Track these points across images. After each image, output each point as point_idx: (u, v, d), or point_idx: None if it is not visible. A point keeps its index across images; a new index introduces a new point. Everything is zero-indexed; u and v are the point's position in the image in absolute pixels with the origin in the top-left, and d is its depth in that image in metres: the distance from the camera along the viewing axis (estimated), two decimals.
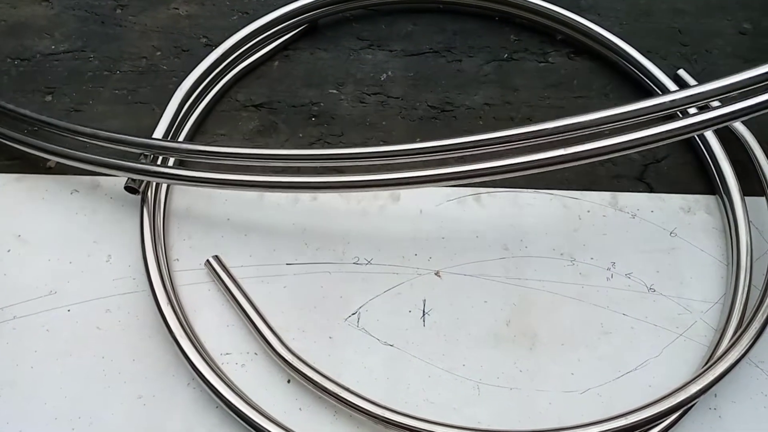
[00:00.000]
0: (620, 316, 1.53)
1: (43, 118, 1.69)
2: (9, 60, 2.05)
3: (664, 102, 1.44)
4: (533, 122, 1.48)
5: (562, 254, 1.62)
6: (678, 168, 1.81)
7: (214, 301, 1.54)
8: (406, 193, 1.72)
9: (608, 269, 1.60)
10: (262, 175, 1.56)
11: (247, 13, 2.19)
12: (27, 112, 1.71)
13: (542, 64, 2.06)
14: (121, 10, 2.19)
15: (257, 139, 1.85)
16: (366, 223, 1.67)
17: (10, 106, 1.74)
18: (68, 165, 1.70)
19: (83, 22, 2.15)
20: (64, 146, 1.67)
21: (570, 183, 1.76)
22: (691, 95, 1.43)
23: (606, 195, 1.73)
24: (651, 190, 1.76)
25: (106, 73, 2.01)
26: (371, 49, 2.09)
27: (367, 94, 1.96)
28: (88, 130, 1.65)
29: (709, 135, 1.74)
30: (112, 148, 1.65)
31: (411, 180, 1.49)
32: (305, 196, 1.72)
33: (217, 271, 1.55)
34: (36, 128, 1.75)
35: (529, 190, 1.73)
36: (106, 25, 2.15)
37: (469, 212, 1.69)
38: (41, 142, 1.69)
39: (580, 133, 1.47)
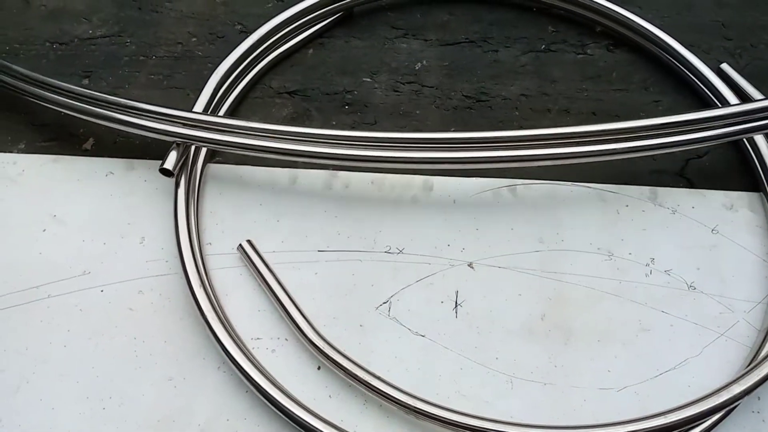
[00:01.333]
0: (659, 313, 1.48)
1: (83, 90, 1.69)
2: (48, 44, 2.08)
3: (722, 114, 1.41)
4: (573, 124, 1.46)
5: (599, 249, 1.58)
6: (720, 164, 1.76)
7: (245, 285, 1.54)
8: (439, 183, 1.69)
9: (647, 265, 1.56)
10: (302, 145, 1.54)
11: (282, 0, 2.18)
12: (72, 86, 1.72)
13: (580, 55, 2.01)
14: None
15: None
16: (398, 213, 1.65)
17: (56, 82, 1.74)
18: (105, 147, 1.72)
19: (120, 8, 2.17)
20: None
21: (608, 177, 1.71)
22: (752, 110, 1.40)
23: (645, 189, 1.69)
24: (692, 186, 1.71)
25: (142, 58, 2.02)
26: (406, 38, 2.07)
27: (402, 83, 1.94)
28: (129, 102, 1.65)
29: None
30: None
31: (446, 161, 1.47)
32: (338, 183, 1.70)
33: (250, 255, 1.54)
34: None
35: (566, 182, 1.70)
36: (143, 10, 2.16)
37: (504, 204, 1.66)
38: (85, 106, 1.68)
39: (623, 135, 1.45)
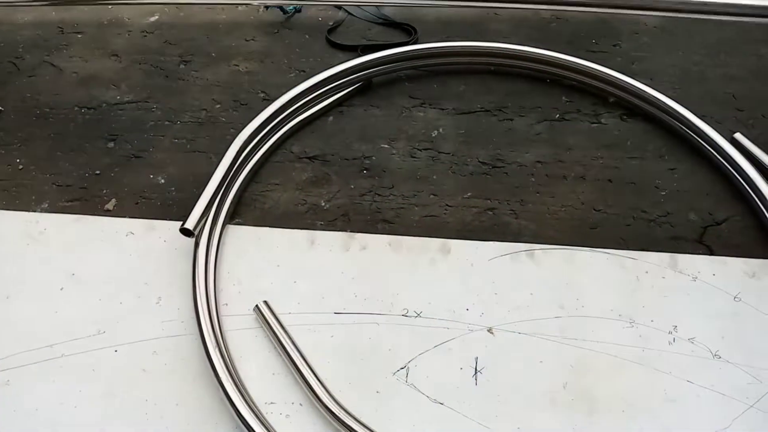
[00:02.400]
0: (685, 382, 1.44)
1: None
2: (77, 108, 2.15)
3: None
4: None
5: (620, 315, 1.56)
6: (739, 231, 1.75)
7: (261, 347, 1.52)
8: (456, 246, 1.69)
9: (670, 333, 1.52)
10: None
11: (304, 71, 2.27)
12: None
13: (594, 124, 2.05)
14: (185, 65, 2.30)
15: (310, 189, 1.87)
16: (416, 275, 1.64)
17: None
18: (126, 207, 1.74)
19: (149, 76, 2.26)
20: None
21: (627, 243, 1.71)
22: None
23: (665, 256, 1.68)
24: (711, 253, 1.70)
25: (167, 122, 2.09)
26: (423, 107, 2.13)
27: (419, 150, 1.98)
28: None
29: None
30: None
31: None
32: (355, 245, 1.71)
33: (266, 317, 1.53)
34: None
35: (585, 248, 1.69)
36: (170, 78, 2.25)
37: (523, 268, 1.65)
38: None
39: None
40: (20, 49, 2.41)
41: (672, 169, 1.92)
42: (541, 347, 1.50)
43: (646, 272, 1.64)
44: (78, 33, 2.46)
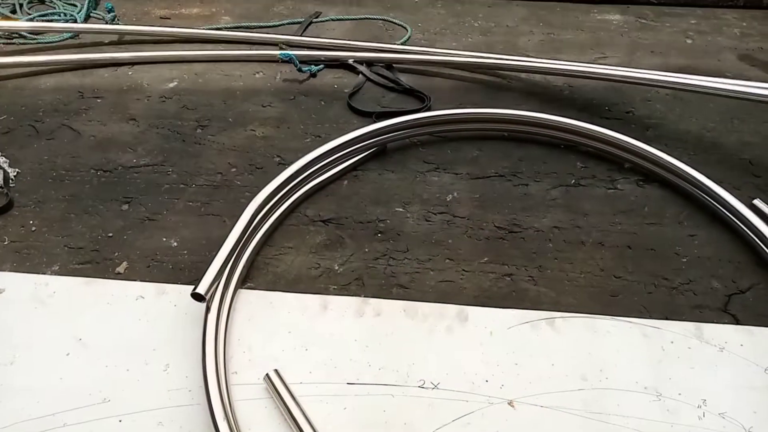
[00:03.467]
0: None
1: None
2: (93, 171, 2.17)
3: None
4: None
5: (646, 388, 1.49)
6: (765, 299, 1.70)
7: (270, 418, 1.45)
8: (474, 314, 1.65)
9: (699, 407, 1.45)
10: None
11: (319, 136, 2.29)
12: None
13: (611, 190, 2.04)
14: (202, 130, 2.33)
15: (324, 253, 1.85)
16: (432, 344, 1.59)
17: None
18: (138, 271, 1.72)
19: (165, 140, 2.29)
20: None
21: (649, 311, 1.66)
22: None
23: (689, 326, 1.62)
24: (737, 322, 1.64)
25: (182, 186, 2.09)
26: (437, 171, 2.13)
27: (433, 213, 1.97)
28: None
29: None
30: None
31: None
32: (369, 311, 1.67)
33: (276, 387, 1.47)
34: None
35: (606, 317, 1.64)
36: (187, 142, 2.27)
37: (543, 337, 1.59)
38: None
39: None
40: (41, 113, 2.45)
41: (692, 236, 1.88)
42: (564, 422, 1.42)
43: (671, 342, 1.58)
44: (97, 98, 2.52)
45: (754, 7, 3.12)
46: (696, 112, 2.35)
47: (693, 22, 3.01)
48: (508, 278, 1.76)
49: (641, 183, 2.06)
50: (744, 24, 3.01)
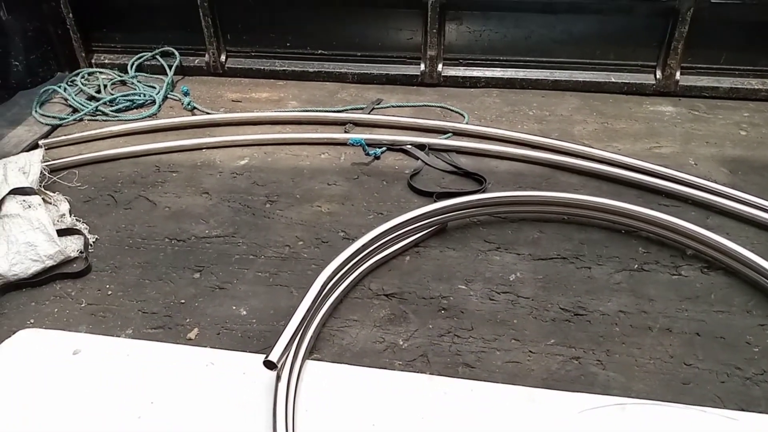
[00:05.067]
0: None
1: None
2: (167, 240, 2.27)
3: None
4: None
5: None
6: None
7: None
8: (543, 397, 1.62)
9: None
10: None
11: (381, 213, 2.37)
12: None
13: (675, 276, 2.04)
14: (271, 204, 2.44)
15: (388, 327, 1.87)
16: (502, 428, 1.56)
17: None
18: (208, 337, 1.77)
19: (236, 213, 2.40)
20: None
21: (723, 401, 1.62)
22: None
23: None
24: None
25: (251, 257, 2.17)
26: (498, 251, 2.17)
27: (497, 293, 1.99)
28: None
29: None
30: None
31: None
32: (436, 389, 1.66)
33: None
34: None
35: (679, 405, 1.60)
36: (256, 216, 2.37)
37: (615, 424, 1.55)
38: None
39: None
40: (119, 184, 2.61)
41: (762, 325, 1.85)
42: None
43: None
44: (173, 172, 2.67)
45: None
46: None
47: (746, 114, 3.06)
48: (576, 361, 1.75)
49: (705, 270, 2.06)
50: None
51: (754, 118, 3.04)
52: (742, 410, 1.60)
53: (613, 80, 3.28)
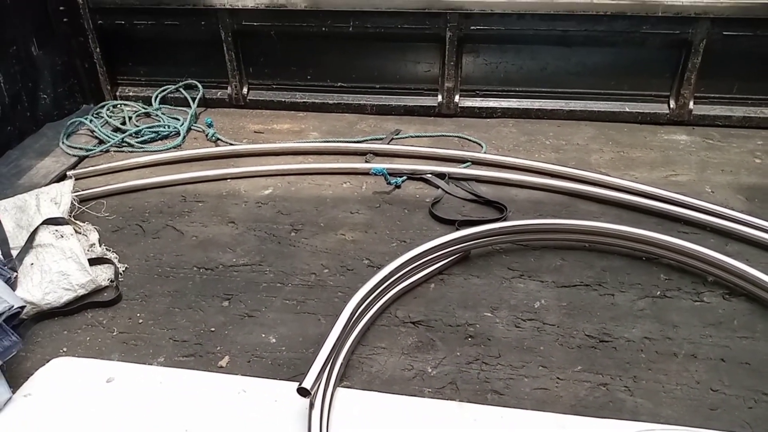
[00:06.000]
0: None
1: None
2: (195, 269, 2.32)
3: None
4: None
5: None
6: None
7: None
8: (573, 423, 1.64)
9: None
10: None
11: (404, 241, 2.41)
12: None
13: (697, 303, 2.06)
14: (296, 233, 2.49)
15: (416, 355, 1.90)
16: None
17: None
18: (239, 365, 1.80)
19: (262, 241, 2.45)
20: None
21: (752, 427, 1.63)
22: None
23: None
24: None
25: (279, 285, 2.21)
26: (522, 278, 2.20)
27: (522, 320, 2.02)
28: None
29: None
30: None
31: None
32: (466, 416, 1.68)
33: None
34: None
35: (709, 430, 1.61)
36: (282, 244, 2.42)
37: None
38: None
39: None
40: (147, 214, 2.67)
41: None
42: None
43: None
44: (199, 202, 2.73)
45: None
46: None
47: (759, 143, 3.10)
48: (604, 388, 1.77)
49: (727, 296, 2.08)
50: None
51: (767, 146, 3.08)
52: None
53: (627, 110, 3.35)
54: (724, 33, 3.10)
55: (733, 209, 2.48)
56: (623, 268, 2.22)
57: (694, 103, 3.28)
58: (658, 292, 2.10)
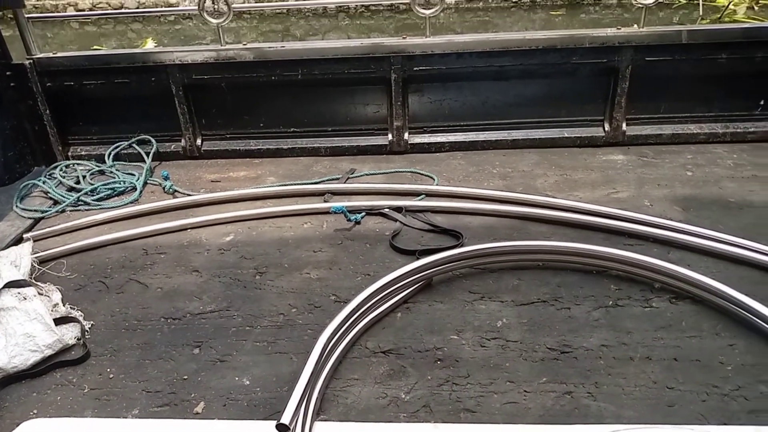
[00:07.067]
0: None
1: None
2: (163, 319, 2.33)
3: None
4: None
5: None
6: None
7: None
8: None
9: None
10: None
11: (368, 274, 2.49)
12: None
13: (647, 309, 2.19)
14: (261, 276, 2.53)
15: (389, 382, 1.96)
16: None
17: None
18: (215, 410, 1.81)
19: (228, 287, 2.48)
20: None
21: (707, 418, 1.74)
22: None
23: (750, 430, 1.69)
24: None
25: (248, 328, 2.24)
26: (483, 300, 2.30)
27: (487, 339, 2.10)
28: None
29: None
30: None
31: None
32: None
33: None
34: None
35: (669, 426, 1.72)
36: (248, 288, 2.46)
37: None
38: None
39: None
40: (109, 270, 2.66)
41: (731, 345, 2.01)
42: None
43: None
44: (161, 254, 2.75)
45: (740, 141, 3.49)
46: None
47: (689, 157, 3.34)
48: (569, 396, 1.86)
49: (674, 300, 2.22)
50: (735, 156, 3.34)
51: (697, 159, 3.32)
52: (725, 425, 1.72)
53: (566, 135, 3.56)
54: (647, 59, 3.37)
55: (671, 219, 2.67)
56: (576, 283, 2.34)
57: (627, 125, 3.52)
58: (611, 302, 2.23)
